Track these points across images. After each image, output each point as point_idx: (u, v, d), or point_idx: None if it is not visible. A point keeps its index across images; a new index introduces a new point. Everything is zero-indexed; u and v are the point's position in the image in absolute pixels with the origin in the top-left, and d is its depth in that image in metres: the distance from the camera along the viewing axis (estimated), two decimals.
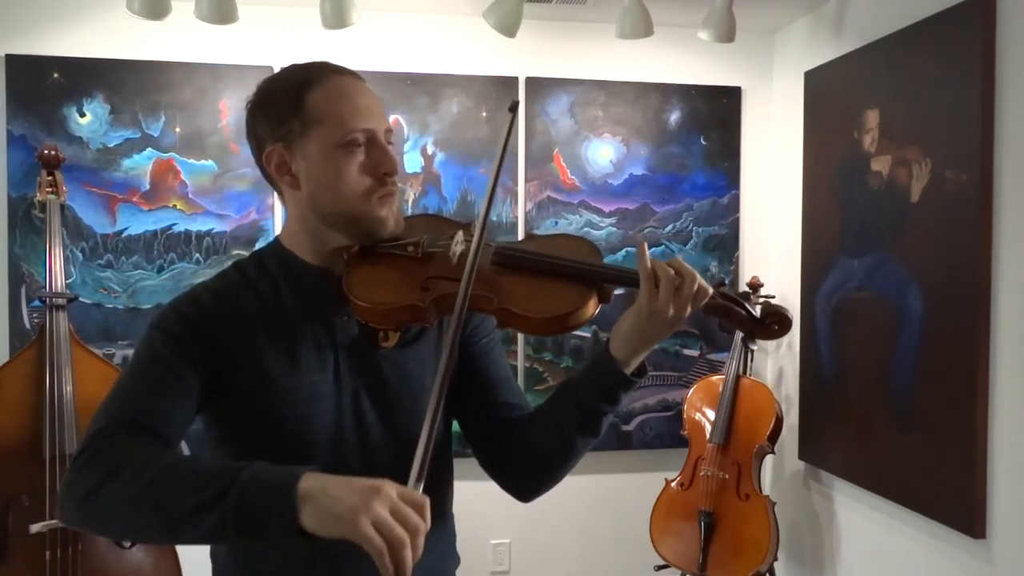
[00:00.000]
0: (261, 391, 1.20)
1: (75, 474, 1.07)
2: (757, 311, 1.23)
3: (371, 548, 0.94)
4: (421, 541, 0.97)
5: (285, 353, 1.21)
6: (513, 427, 1.32)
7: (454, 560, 1.38)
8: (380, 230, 1.23)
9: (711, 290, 1.19)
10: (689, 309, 1.16)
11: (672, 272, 1.15)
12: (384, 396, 1.25)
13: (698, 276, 1.16)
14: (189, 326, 1.19)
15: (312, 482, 0.98)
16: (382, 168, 1.21)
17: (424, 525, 0.97)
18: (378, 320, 1.22)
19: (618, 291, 1.26)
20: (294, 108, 1.20)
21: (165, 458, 1.06)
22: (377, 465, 1.21)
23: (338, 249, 1.24)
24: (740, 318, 1.22)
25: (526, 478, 1.33)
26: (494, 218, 3.16)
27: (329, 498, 0.97)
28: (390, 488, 0.97)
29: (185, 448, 2.62)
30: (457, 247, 1.22)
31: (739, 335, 1.27)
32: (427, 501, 0.99)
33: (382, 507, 0.96)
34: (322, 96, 1.20)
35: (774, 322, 1.22)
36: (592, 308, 1.19)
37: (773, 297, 3.16)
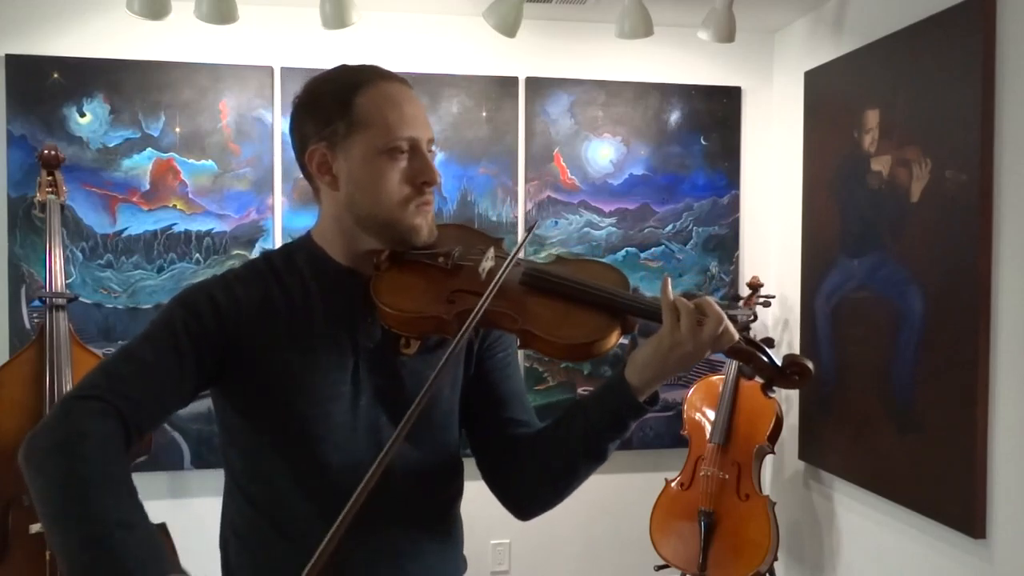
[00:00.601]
0: (280, 386, 1.21)
1: (53, 417, 1.11)
2: (780, 360, 1.21)
3: None
4: None
5: (307, 350, 1.22)
6: (518, 444, 1.31)
7: (462, 565, 1.39)
8: (414, 238, 1.24)
9: (737, 336, 1.17)
10: (710, 349, 1.15)
11: (692, 307, 1.14)
12: (399, 401, 1.24)
13: (725, 319, 1.15)
14: (216, 312, 1.20)
15: None
16: (422, 177, 1.22)
17: None
18: (401, 327, 1.22)
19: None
20: (341, 110, 1.21)
21: (102, 469, 1.07)
22: (392, 467, 1.20)
23: (369, 252, 1.25)
24: (762, 365, 1.21)
25: (526, 497, 1.33)
26: (494, 218, 3.16)
27: None
28: None
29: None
30: (487, 263, 1.22)
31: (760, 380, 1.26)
32: None
33: None
34: (370, 100, 1.21)
35: (795, 372, 1.20)
36: (615, 339, 1.19)
37: (773, 297, 3.16)
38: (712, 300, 1.16)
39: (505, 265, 1.17)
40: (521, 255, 1.24)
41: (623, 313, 1.20)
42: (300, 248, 1.31)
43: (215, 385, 1.24)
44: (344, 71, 1.26)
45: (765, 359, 1.21)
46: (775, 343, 1.24)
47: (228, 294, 1.23)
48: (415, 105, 1.24)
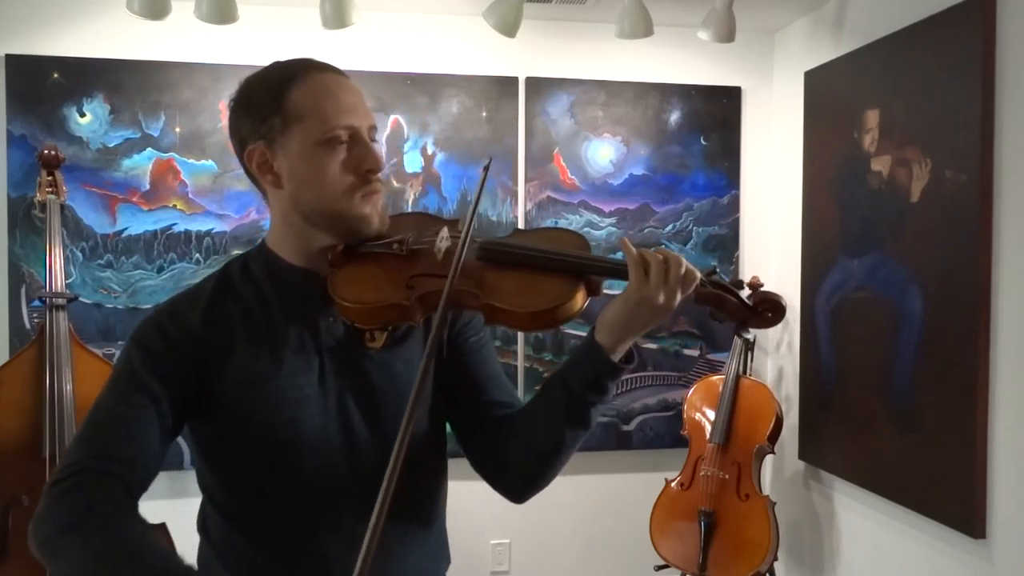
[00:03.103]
0: (246, 398, 1.19)
1: (46, 508, 1.10)
2: (750, 300, 1.21)
3: None
4: None
5: (269, 358, 1.20)
6: (502, 425, 1.30)
7: (445, 560, 1.37)
8: (364, 228, 1.21)
9: (699, 275, 1.17)
10: (679, 295, 1.15)
11: (661, 257, 1.14)
12: (371, 398, 1.23)
13: (684, 260, 1.15)
14: (169, 342, 1.18)
15: None
16: (365, 165, 1.19)
17: None
18: (363, 320, 1.20)
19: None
20: (275, 106, 1.18)
21: (119, 532, 1.06)
22: (364, 468, 1.21)
23: (323, 249, 1.22)
24: (732, 306, 1.20)
25: (517, 477, 1.31)
26: (494, 218, 3.16)
27: None
28: None
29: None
30: (442, 243, 1.20)
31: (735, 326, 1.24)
32: None
33: None
34: (304, 93, 1.18)
35: (767, 309, 1.20)
36: (580, 301, 1.17)
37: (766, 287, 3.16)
38: (667, 249, 1.16)
39: (462, 240, 1.14)
40: (476, 226, 1.21)
41: (585, 274, 1.18)
42: (255, 255, 1.28)
43: (194, 409, 1.21)
44: (276, 67, 1.23)
45: (734, 299, 1.20)
46: (743, 285, 1.23)
47: (176, 321, 1.20)
48: (352, 93, 1.21)
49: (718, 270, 1.25)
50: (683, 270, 1.13)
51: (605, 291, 1.24)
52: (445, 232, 1.21)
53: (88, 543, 1.04)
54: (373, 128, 1.23)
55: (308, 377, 1.21)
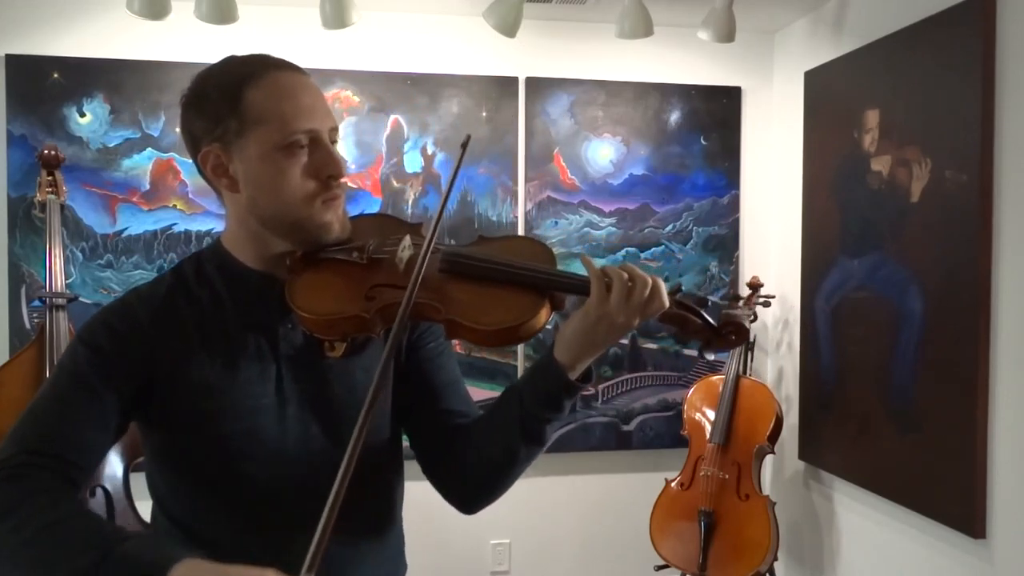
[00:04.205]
0: (200, 405, 1.14)
1: None
2: (715, 320, 1.17)
3: None
4: None
5: (224, 364, 1.15)
6: (455, 435, 1.25)
7: (401, 567, 1.33)
8: (324, 235, 1.16)
9: (666, 301, 1.11)
10: (638, 318, 1.10)
11: (625, 276, 1.08)
12: (329, 407, 1.19)
13: (651, 282, 1.09)
14: (117, 341, 1.13)
15: (185, 570, 0.93)
16: (326, 171, 1.14)
17: None
18: (322, 331, 1.15)
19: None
20: (231, 106, 1.12)
21: (52, 510, 1.01)
22: (320, 478, 1.10)
23: (281, 254, 1.17)
24: (696, 328, 1.16)
25: (468, 488, 1.27)
26: (494, 218, 3.16)
27: None
28: None
29: None
30: (404, 253, 1.15)
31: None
32: None
33: None
34: (262, 94, 1.12)
35: (731, 332, 1.16)
36: (544, 317, 1.12)
37: (773, 297, 3.16)
38: (633, 266, 1.11)
39: (423, 254, 1.09)
40: (440, 234, 1.16)
41: (549, 289, 1.14)
42: (210, 256, 1.22)
43: (142, 411, 1.16)
44: (231, 63, 1.17)
45: (699, 321, 1.16)
46: (708, 303, 1.21)
47: (126, 319, 1.15)
48: (312, 94, 1.15)
49: (683, 288, 1.21)
50: (647, 292, 1.08)
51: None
52: (408, 240, 1.17)
53: (20, 529, 0.99)
54: (335, 130, 1.17)
55: (264, 386, 1.16)
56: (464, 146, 1.20)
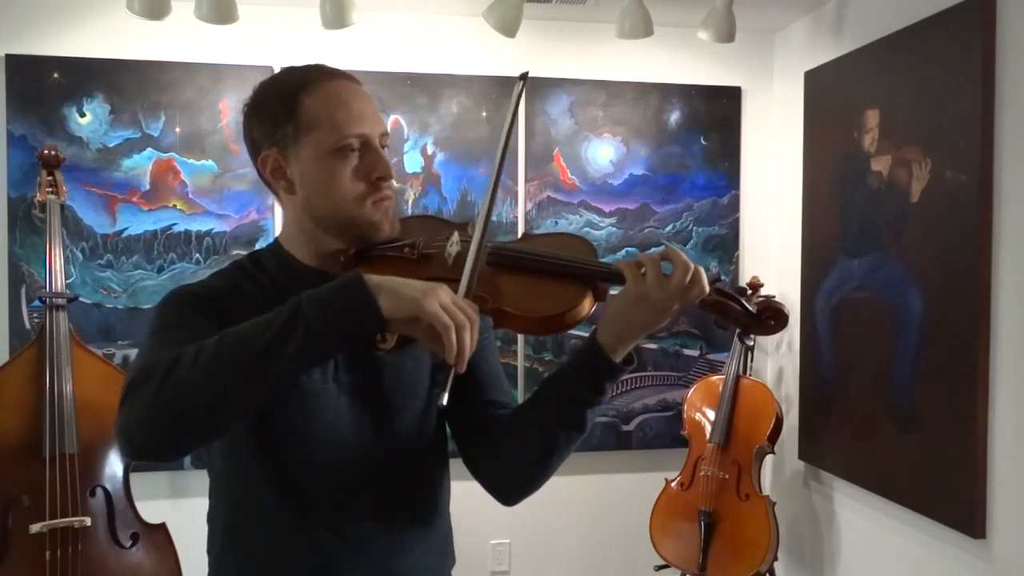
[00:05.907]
0: None
1: (130, 397, 1.02)
2: (753, 307, 1.23)
3: (439, 324, 0.99)
4: (477, 332, 1.02)
5: None
6: (497, 424, 1.31)
7: (450, 560, 1.38)
8: (375, 234, 1.23)
9: (707, 288, 1.17)
10: (679, 300, 1.14)
11: (655, 256, 1.15)
12: (380, 396, 1.25)
13: (693, 269, 1.14)
14: (205, 301, 1.20)
15: (373, 278, 1.02)
16: (376, 173, 1.21)
17: (477, 320, 1.02)
18: None
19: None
20: (288, 113, 1.20)
21: (217, 335, 1.03)
22: (373, 463, 1.23)
23: (335, 252, 1.24)
24: (736, 314, 1.22)
25: (509, 478, 1.31)
26: (494, 218, 3.16)
27: (397, 283, 1.01)
28: (446, 288, 1.03)
29: None
30: (452, 248, 1.22)
31: (736, 330, 1.28)
32: (476, 310, 1.03)
33: (445, 295, 1.01)
34: (317, 101, 1.20)
35: (770, 318, 1.22)
36: (588, 307, 1.19)
37: (773, 297, 3.16)
38: (679, 249, 1.17)
39: (476, 243, 1.15)
40: (485, 229, 1.21)
41: (592, 279, 1.20)
42: (268, 254, 1.31)
43: None
44: (289, 73, 1.25)
45: (739, 308, 1.22)
46: (747, 291, 1.26)
47: (210, 290, 1.22)
48: (364, 101, 1.23)
49: (723, 278, 1.27)
50: (688, 277, 1.13)
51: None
52: (456, 236, 1.24)
53: (198, 355, 1.00)
54: (385, 135, 1.25)
55: (323, 373, 1.22)
56: (523, 78, 1.23)
